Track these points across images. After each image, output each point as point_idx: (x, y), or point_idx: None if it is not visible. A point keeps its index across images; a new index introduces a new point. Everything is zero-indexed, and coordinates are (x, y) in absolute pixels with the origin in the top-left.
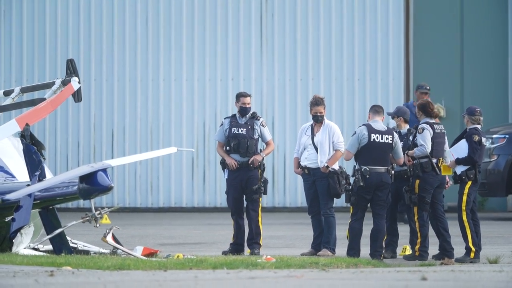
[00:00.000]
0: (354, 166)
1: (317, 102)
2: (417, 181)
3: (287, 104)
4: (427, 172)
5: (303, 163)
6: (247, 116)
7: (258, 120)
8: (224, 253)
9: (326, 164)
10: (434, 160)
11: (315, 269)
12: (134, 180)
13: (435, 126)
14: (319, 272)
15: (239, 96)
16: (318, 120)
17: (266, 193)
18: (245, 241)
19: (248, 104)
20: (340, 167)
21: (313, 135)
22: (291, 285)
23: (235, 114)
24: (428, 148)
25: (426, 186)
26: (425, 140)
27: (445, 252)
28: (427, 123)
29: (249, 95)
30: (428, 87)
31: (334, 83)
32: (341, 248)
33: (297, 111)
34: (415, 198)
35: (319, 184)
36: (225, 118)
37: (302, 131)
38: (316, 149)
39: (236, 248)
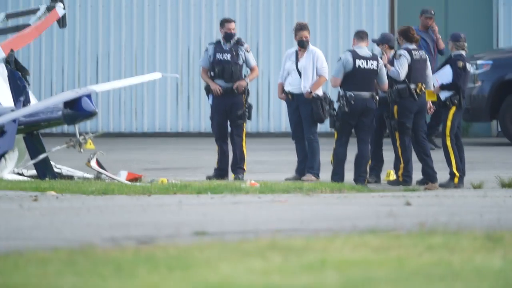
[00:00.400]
0: (339, 92)
1: (301, 27)
2: (395, 107)
3: (271, 30)
4: (404, 98)
5: (286, 89)
6: (231, 41)
7: (243, 45)
8: (208, 178)
9: (309, 90)
10: (413, 86)
11: (299, 194)
12: (118, 105)
13: (414, 52)
14: (303, 197)
15: (224, 21)
16: (303, 45)
17: (251, 118)
18: (229, 166)
19: (233, 29)
20: (324, 92)
21: (297, 60)
22: (275, 210)
23: (219, 40)
24: (402, 74)
25: (405, 111)
26: (400, 66)
27: (428, 177)
28: (406, 49)
29: (234, 21)
30: (433, 12)
31: (318, 8)
32: (325, 173)
33: (281, 37)
34: (395, 124)
35: (303, 109)
36: (209, 44)
37: (286, 56)
38: (300, 74)
39: (220, 173)
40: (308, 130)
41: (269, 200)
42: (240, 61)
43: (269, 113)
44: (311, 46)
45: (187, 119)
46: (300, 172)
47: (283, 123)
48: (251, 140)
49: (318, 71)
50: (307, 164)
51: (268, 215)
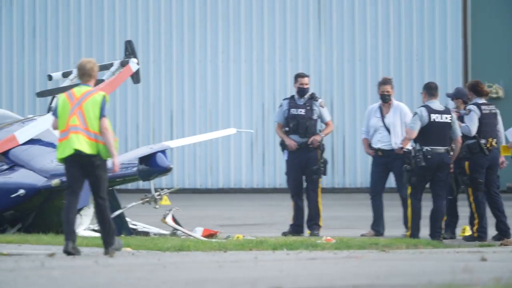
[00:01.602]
0: (414, 147)
1: (385, 81)
2: (467, 163)
3: (345, 85)
4: (475, 154)
5: (375, 146)
6: (305, 96)
7: (317, 100)
8: (284, 234)
9: (401, 146)
10: (483, 141)
11: (375, 250)
12: (193, 161)
13: (483, 107)
14: (378, 253)
15: (297, 76)
16: (385, 99)
17: (326, 173)
18: (305, 222)
19: (306, 84)
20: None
21: (382, 116)
22: (351, 266)
23: (293, 95)
24: (473, 130)
25: (476, 167)
26: (470, 121)
27: (502, 233)
28: (476, 104)
29: (307, 76)
30: None
31: (392, 63)
32: (397, 229)
33: (355, 92)
34: (467, 180)
35: (395, 165)
36: (283, 99)
37: (370, 112)
38: (388, 130)
39: (295, 229)
40: (402, 186)
41: (345, 256)
42: (315, 116)
43: (344, 168)
44: (395, 101)
45: (262, 175)
46: (375, 227)
47: (358, 179)
48: (326, 195)
49: (406, 126)
50: (404, 220)
51: (344, 271)
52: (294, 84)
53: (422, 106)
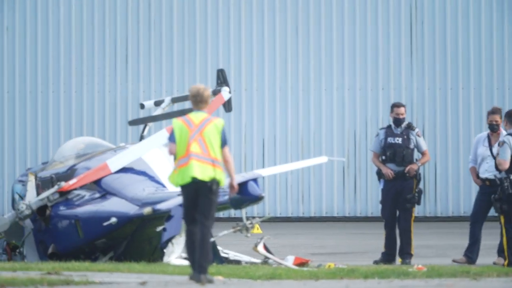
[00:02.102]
0: (503, 175)
1: (494, 111)
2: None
3: (437, 113)
4: None
5: (483, 175)
6: (402, 126)
7: (414, 130)
8: (376, 262)
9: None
10: None
11: (466, 278)
12: (285, 189)
13: None
14: (470, 281)
15: (394, 106)
16: (494, 129)
17: (420, 203)
18: (397, 250)
19: (402, 114)
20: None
21: (490, 145)
22: None
23: (390, 125)
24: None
25: None
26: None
27: None
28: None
29: (403, 105)
30: None
31: (484, 92)
32: (489, 257)
33: (447, 121)
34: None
35: None
36: (380, 129)
37: (478, 141)
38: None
39: (387, 257)
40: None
41: (436, 284)
42: (411, 145)
43: (436, 197)
44: (503, 131)
45: (354, 203)
46: (469, 254)
47: (450, 207)
48: (418, 224)
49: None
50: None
51: None
52: (390, 114)
53: (508, 134)
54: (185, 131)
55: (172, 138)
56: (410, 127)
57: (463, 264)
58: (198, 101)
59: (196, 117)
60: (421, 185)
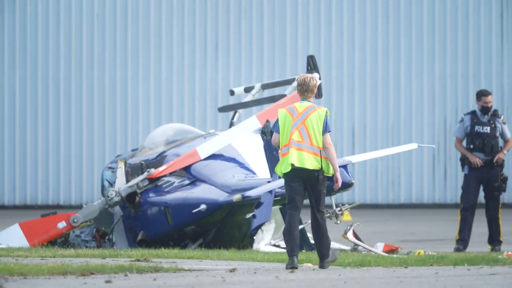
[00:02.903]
0: None
1: None
2: None
3: None
4: None
5: None
6: (489, 113)
7: (500, 117)
8: (458, 249)
9: None
10: None
11: None
12: (375, 176)
13: None
14: None
15: (481, 94)
16: None
17: (505, 190)
18: (470, 237)
19: (490, 102)
20: None
21: None
22: None
23: (474, 111)
24: None
25: None
26: None
27: None
28: None
29: (491, 93)
30: None
31: None
32: None
33: None
34: None
35: None
36: (465, 115)
37: None
38: None
39: (464, 244)
40: None
41: None
42: (498, 134)
43: None
44: None
45: (443, 190)
46: None
47: None
48: (506, 211)
49: None
50: None
51: None
52: (477, 101)
53: None
54: (289, 120)
55: (275, 128)
56: (496, 114)
57: None
58: (304, 90)
59: (301, 105)
60: (505, 172)
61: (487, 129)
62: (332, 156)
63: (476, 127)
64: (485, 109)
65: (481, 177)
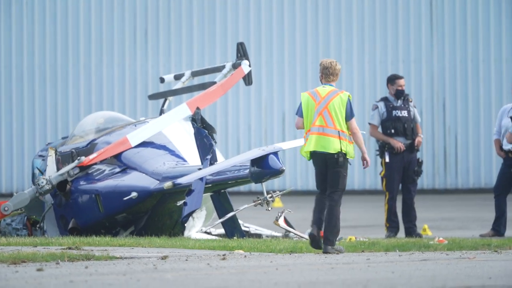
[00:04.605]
0: None
1: None
2: None
3: (457, 85)
4: None
5: (506, 147)
6: (401, 98)
7: (411, 101)
8: (389, 237)
9: None
10: None
11: (487, 250)
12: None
13: None
14: (491, 254)
15: (394, 78)
16: None
17: (421, 174)
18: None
19: (403, 86)
20: None
21: None
22: (463, 267)
23: (386, 97)
24: None
25: None
26: None
27: None
28: None
29: (403, 77)
30: None
31: (505, 64)
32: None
33: (467, 92)
34: None
35: None
36: (378, 101)
37: (502, 113)
38: None
39: (396, 230)
40: None
41: (457, 257)
42: (412, 117)
43: (456, 170)
44: None
45: (374, 177)
46: (496, 227)
47: (471, 180)
48: (439, 196)
49: None
50: None
51: (456, 272)
52: (390, 86)
53: None
54: (312, 104)
55: (299, 112)
56: (407, 99)
57: (490, 238)
58: (329, 73)
59: (324, 90)
60: (441, 158)
61: (404, 113)
62: (360, 141)
63: (394, 112)
64: (399, 93)
65: (403, 162)
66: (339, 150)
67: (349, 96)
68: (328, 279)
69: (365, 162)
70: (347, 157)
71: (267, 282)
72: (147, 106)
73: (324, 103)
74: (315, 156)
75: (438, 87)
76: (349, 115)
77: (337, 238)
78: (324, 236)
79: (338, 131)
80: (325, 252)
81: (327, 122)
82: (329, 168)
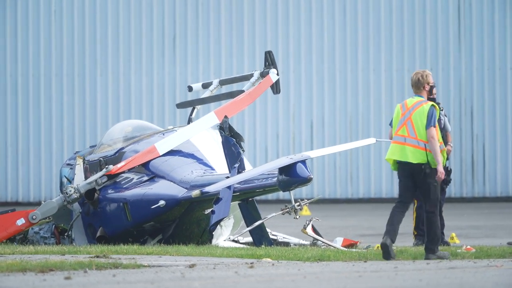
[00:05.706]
0: None
1: None
2: None
3: (485, 94)
4: None
5: None
6: None
7: (442, 110)
8: (417, 244)
9: None
10: None
11: None
12: (333, 171)
13: None
14: None
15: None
16: None
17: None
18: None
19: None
20: None
21: None
22: (490, 275)
23: None
24: None
25: None
26: None
27: None
28: None
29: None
30: None
31: None
32: None
33: (495, 101)
34: None
35: None
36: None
37: None
38: None
39: (422, 238)
40: None
41: (485, 265)
42: (442, 126)
43: (484, 178)
44: None
45: None
46: None
47: (498, 188)
48: (467, 205)
49: None
50: None
51: (484, 280)
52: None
53: None
54: (399, 115)
55: (391, 122)
56: (439, 108)
57: None
58: (413, 85)
59: (411, 100)
60: (469, 166)
61: None
62: (434, 149)
63: None
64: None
65: None
66: (424, 161)
67: (433, 105)
68: (356, 287)
69: (439, 174)
70: (432, 167)
71: None
72: (175, 114)
73: (409, 114)
74: (400, 165)
75: (466, 95)
76: (427, 124)
77: (366, 247)
78: (425, 245)
79: (421, 142)
80: (427, 258)
81: (409, 132)
82: (418, 180)
